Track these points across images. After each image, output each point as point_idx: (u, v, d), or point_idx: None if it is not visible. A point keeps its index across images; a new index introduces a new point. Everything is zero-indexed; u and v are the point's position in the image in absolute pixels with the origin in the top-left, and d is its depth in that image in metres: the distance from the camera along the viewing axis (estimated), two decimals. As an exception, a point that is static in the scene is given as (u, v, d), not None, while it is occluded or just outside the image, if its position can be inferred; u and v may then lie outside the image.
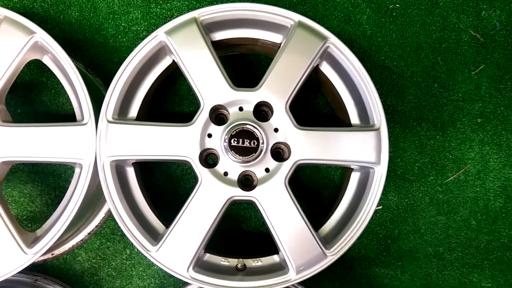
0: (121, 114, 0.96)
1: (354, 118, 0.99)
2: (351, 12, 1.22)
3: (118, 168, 0.94)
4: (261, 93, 0.93)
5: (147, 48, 0.95)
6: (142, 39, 0.97)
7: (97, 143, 0.91)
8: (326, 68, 0.99)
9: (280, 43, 1.00)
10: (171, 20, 0.96)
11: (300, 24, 0.95)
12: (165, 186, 1.21)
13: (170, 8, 1.23)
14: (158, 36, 0.94)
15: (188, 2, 1.23)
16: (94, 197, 1.05)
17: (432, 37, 1.22)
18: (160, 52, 0.97)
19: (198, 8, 0.96)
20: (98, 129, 0.92)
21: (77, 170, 0.94)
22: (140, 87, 1.00)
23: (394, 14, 1.22)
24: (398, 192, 1.21)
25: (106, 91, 0.95)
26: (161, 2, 1.22)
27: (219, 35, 0.99)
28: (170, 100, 1.21)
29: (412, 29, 1.22)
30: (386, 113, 0.98)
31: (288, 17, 0.95)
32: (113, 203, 0.91)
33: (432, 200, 1.21)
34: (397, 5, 1.23)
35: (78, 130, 0.92)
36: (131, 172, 0.97)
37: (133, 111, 0.99)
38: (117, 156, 0.92)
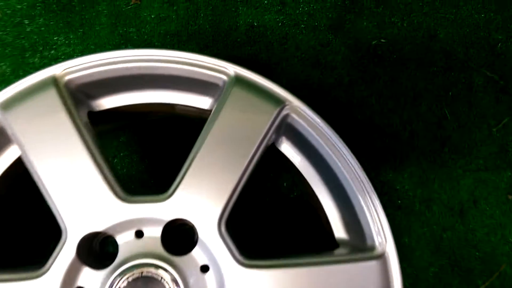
0: None
1: (339, 230, 0.60)
2: (319, 52, 0.86)
3: None
4: (174, 205, 0.53)
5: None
6: None
7: None
8: (287, 148, 0.61)
9: (211, 110, 0.61)
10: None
11: (239, 81, 0.56)
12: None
13: (55, 56, 0.83)
14: (-12, 113, 0.54)
15: (83, 47, 0.84)
16: None
17: (434, 82, 0.87)
18: (-2, 137, 0.56)
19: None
20: None
21: None
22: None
23: (379, 52, 0.87)
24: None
25: None
26: (41, 48, 0.83)
27: (105, 103, 0.60)
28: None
29: (406, 72, 0.87)
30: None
31: (217, 69, 0.57)
32: None
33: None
34: (383, 40, 0.88)
35: None
36: None
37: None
38: None
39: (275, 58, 0.86)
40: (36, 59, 0.83)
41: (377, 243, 0.55)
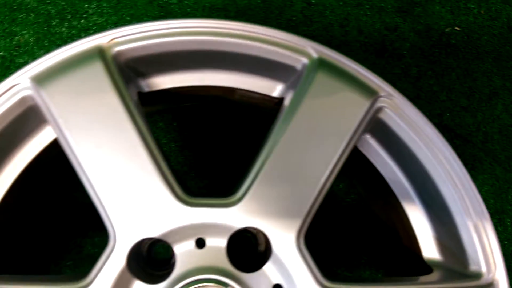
0: None
1: (430, 249, 0.50)
2: (385, 37, 0.76)
3: None
4: (244, 210, 0.43)
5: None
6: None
7: None
8: (372, 150, 0.51)
9: (281, 98, 0.51)
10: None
11: (323, 65, 0.46)
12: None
13: (85, 26, 0.73)
14: (19, 88, 0.44)
15: (117, 18, 0.73)
16: None
17: (512, 79, 0.77)
18: (27, 117, 0.46)
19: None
20: None
21: None
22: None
23: (452, 41, 0.76)
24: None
25: None
26: (69, 17, 0.72)
27: (157, 82, 0.50)
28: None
29: (481, 66, 0.77)
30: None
31: (296, 49, 0.47)
32: None
33: None
34: (457, 28, 0.77)
35: None
36: None
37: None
38: None
39: (334, 42, 0.76)
40: (64, 29, 0.73)
41: (483, 269, 0.45)
